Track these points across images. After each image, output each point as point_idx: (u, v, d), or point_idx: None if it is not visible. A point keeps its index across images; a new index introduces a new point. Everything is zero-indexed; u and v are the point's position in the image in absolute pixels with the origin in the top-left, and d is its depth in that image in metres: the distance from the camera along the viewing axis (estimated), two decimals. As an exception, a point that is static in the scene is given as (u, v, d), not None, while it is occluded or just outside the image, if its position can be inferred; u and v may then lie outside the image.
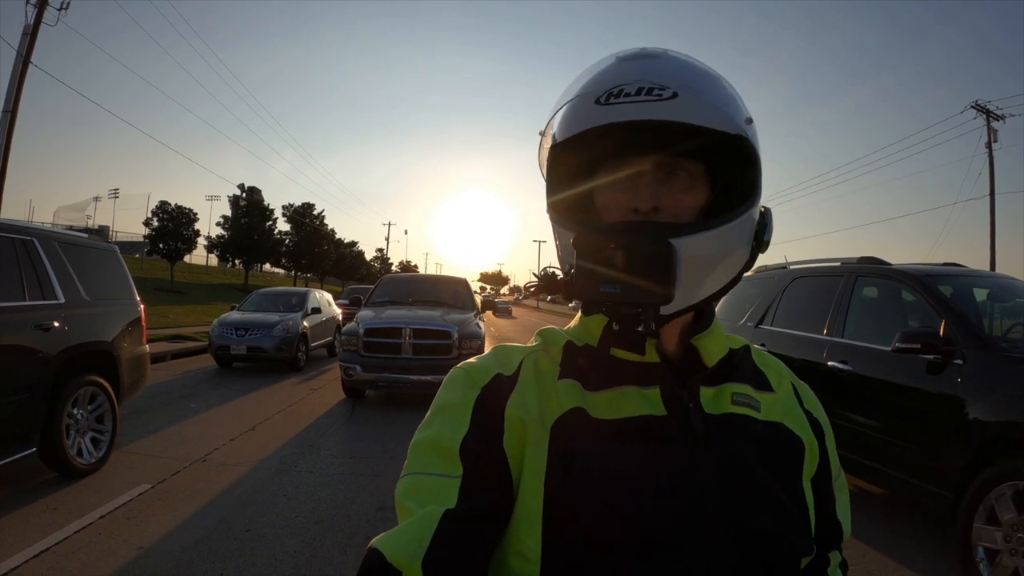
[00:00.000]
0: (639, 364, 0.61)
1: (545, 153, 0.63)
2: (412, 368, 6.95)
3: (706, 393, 0.61)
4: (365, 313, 7.71)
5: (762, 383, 0.66)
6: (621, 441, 0.56)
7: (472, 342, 7.15)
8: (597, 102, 0.56)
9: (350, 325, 7.51)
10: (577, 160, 0.62)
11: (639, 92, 0.55)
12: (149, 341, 5.50)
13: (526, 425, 0.57)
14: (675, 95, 0.54)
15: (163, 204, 30.64)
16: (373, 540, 0.54)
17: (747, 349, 0.69)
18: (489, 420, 0.58)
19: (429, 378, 6.81)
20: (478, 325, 7.71)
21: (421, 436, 0.59)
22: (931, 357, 3.27)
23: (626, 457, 0.55)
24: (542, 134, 0.65)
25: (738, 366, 0.65)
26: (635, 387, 0.59)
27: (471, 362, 0.64)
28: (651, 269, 0.52)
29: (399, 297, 8.63)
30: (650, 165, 0.59)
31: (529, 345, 0.67)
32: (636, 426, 0.57)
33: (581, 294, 0.53)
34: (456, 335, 7.10)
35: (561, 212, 0.62)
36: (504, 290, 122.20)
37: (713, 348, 0.63)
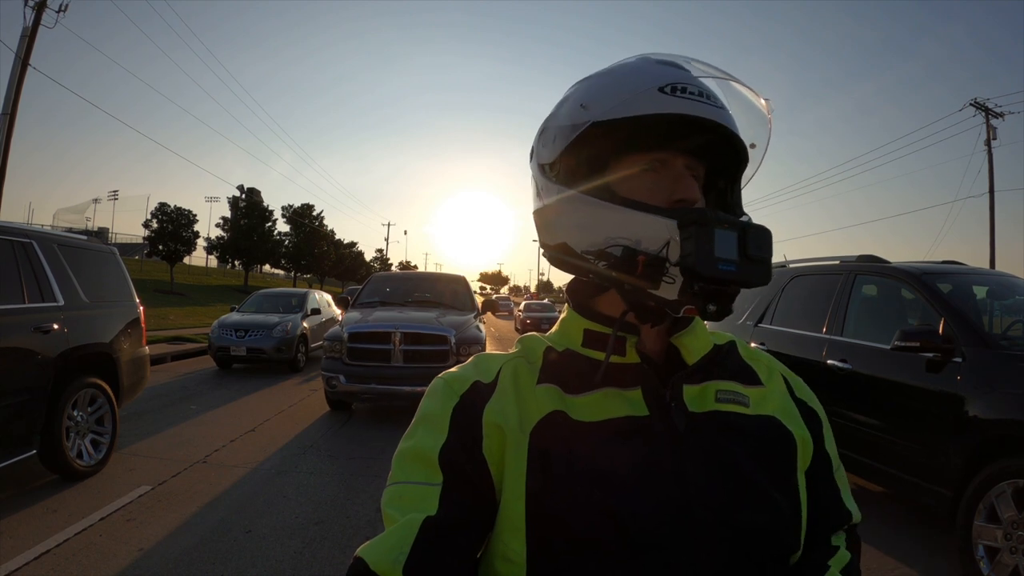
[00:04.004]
0: (620, 366, 0.61)
1: (572, 130, 0.62)
2: (403, 378, 6.06)
3: (689, 391, 0.61)
4: (352, 315, 6.90)
5: (750, 378, 0.67)
6: (604, 442, 0.57)
7: (472, 348, 6.30)
8: (662, 91, 0.58)
9: (333, 329, 6.72)
10: (615, 140, 0.62)
11: (701, 95, 0.59)
12: (149, 343, 5.50)
13: (504, 431, 0.58)
14: (722, 107, 0.61)
15: (162, 206, 30.66)
16: (359, 548, 0.55)
17: (733, 344, 0.69)
18: (467, 427, 0.59)
19: (423, 389, 5.95)
20: (478, 328, 6.91)
21: (403, 446, 0.61)
22: (930, 355, 3.27)
23: (609, 458, 0.56)
24: (552, 118, 0.66)
25: (723, 362, 0.65)
26: (617, 389, 0.60)
27: (451, 371, 0.65)
28: (764, 253, 0.55)
29: (391, 297, 7.73)
30: (685, 163, 0.62)
31: (510, 353, 0.67)
32: (619, 427, 0.58)
33: (700, 268, 0.53)
34: (453, 340, 6.26)
35: (600, 188, 0.61)
36: (504, 290, 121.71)
37: (694, 346, 0.63)
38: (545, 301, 30.61)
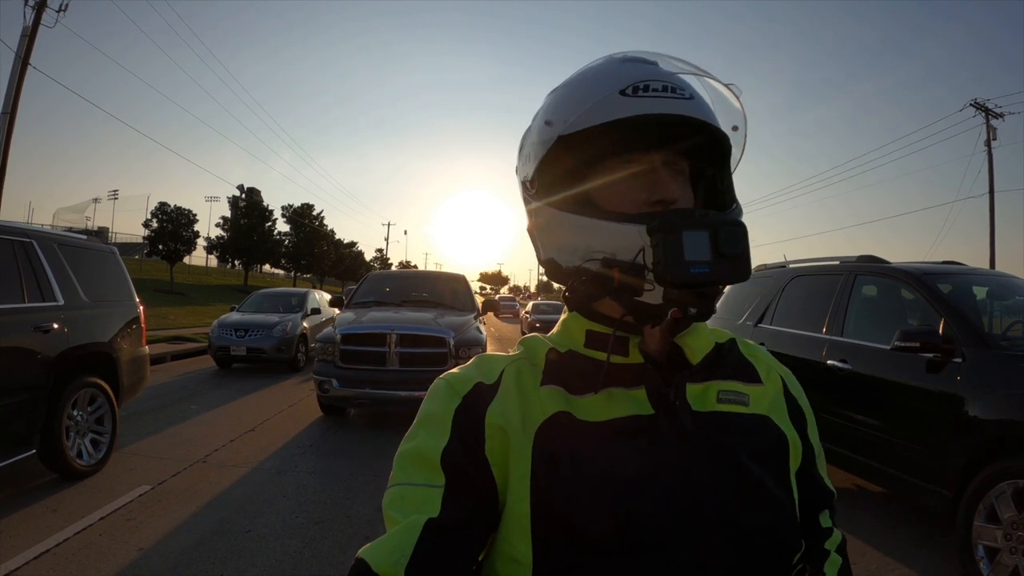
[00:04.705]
0: (624, 366, 0.61)
1: (542, 147, 0.63)
2: (399, 383, 5.72)
3: (693, 390, 0.61)
4: (345, 315, 6.56)
5: (751, 375, 0.67)
6: (610, 441, 0.57)
7: (472, 350, 5.92)
8: (623, 94, 0.57)
9: (326, 330, 6.38)
10: (585, 151, 0.61)
11: (665, 89, 0.58)
12: (149, 342, 5.50)
13: (507, 433, 0.58)
14: (692, 96, 0.59)
15: (162, 205, 30.71)
16: (360, 550, 0.55)
17: (733, 342, 0.69)
18: (469, 429, 0.58)
19: (420, 394, 4.91)
20: (479, 329, 6.52)
21: (404, 448, 0.60)
22: (930, 355, 3.27)
23: (616, 457, 0.56)
24: (532, 129, 0.66)
25: (725, 360, 0.66)
26: (621, 388, 0.60)
27: (453, 372, 0.65)
28: (739, 249, 0.53)
29: (386, 296, 7.33)
30: (663, 160, 0.61)
31: (512, 354, 0.67)
32: (624, 426, 0.58)
33: (671, 276, 0.52)
34: (452, 342, 5.89)
35: (577, 202, 0.61)
36: (504, 289, 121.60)
37: (697, 344, 0.64)
38: (552, 301, 26.02)
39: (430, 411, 0.61)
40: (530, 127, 0.67)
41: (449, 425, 0.59)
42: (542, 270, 0.70)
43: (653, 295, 0.56)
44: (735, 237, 0.53)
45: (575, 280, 0.62)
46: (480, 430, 0.58)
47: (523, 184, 0.68)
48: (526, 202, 0.68)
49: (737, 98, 0.64)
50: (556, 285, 0.68)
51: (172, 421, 5.99)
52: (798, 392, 0.71)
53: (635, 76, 0.58)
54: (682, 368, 0.62)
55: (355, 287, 7.93)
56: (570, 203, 0.61)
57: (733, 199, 0.66)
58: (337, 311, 7.38)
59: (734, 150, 0.65)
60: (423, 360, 5.85)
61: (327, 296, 12.95)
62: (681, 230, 0.53)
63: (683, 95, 0.58)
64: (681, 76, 0.60)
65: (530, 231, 0.70)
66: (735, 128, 0.64)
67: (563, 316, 0.69)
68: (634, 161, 0.60)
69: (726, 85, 0.63)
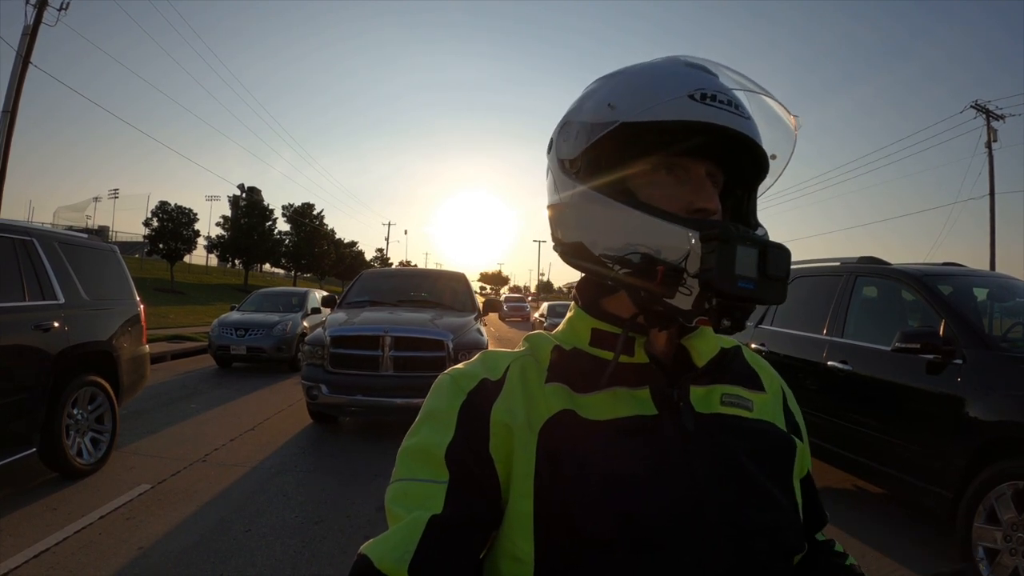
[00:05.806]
0: (629, 365, 0.61)
1: (598, 128, 0.62)
2: (393, 389, 5.31)
3: (696, 392, 0.62)
4: (337, 316, 6.13)
5: (755, 383, 0.68)
6: (613, 441, 0.57)
7: (472, 354, 5.40)
8: (691, 97, 0.58)
9: (316, 332, 5.93)
10: (642, 142, 0.61)
11: (729, 104, 0.59)
12: (149, 341, 5.50)
13: (512, 430, 0.58)
14: (749, 117, 0.61)
15: (163, 204, 30.76)
16: (363, 546, 0.55)
17: (739, 349, 0.70)
18: (474, 426, 0.58)
19: (416, 402, 4.95)
20: (479, 331, 6.14)
21: (408, 443, 0.60)
22: (931, 357, 3.27)
23: (619, 456, 0.56)
24: (580, 112, 0.66)
25: (730, 366, 0.66)
26: (625, 388, 0.60)
27: (458, 368, 0.65)
28: (782, 271, 0.55)
29: (382, 296, 6.84)
30: (706, 169, 0.62)
31: (517, 351, 0.67)
32: (627, 426, 0.58)
33: (719, 285, 0.53)
34: (451, 345, 5.47)
35: (624, 192, 0.61)
36: (504, 289, 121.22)
37: (703, 348, 0.64)
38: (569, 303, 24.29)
39: (435, 407, 0.61)
40: (579, 106, 0.66)
41: (454, 421, 0.59)
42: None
43: (684, 300, 0.55)
44: (780, 260, 0.55)
45: (607, 268, 0.61)
46: (485, 427, 0.58)
47: (561, 163, 0.67)
48: (562, 183, 0.66)
49: (794, 130, 0.65)
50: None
51: (172, 420, 5.99)
52: (796, 409, 0.71)
53: (702, 83, 0.59)
54: (687, 370, 0.63)
55: (349, 285, 7.54)
56: (618, 191, 0.61)
57: (757, 222, 0.67)
58: (329, 311, 6.82)
59: (768, 176, 0.66)
60: (419, 364, 5.42)
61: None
62: (736, 243, 0.53)
63: (743, 114, 0.60)
64: (737, 94, 0.61)
65: (555, 209, 0.68)
66: (773, 156, 0.65)
67: (569, 314, 0.70)
68: (683, 165, 0.61)
69: (793, 116, 0.65)
